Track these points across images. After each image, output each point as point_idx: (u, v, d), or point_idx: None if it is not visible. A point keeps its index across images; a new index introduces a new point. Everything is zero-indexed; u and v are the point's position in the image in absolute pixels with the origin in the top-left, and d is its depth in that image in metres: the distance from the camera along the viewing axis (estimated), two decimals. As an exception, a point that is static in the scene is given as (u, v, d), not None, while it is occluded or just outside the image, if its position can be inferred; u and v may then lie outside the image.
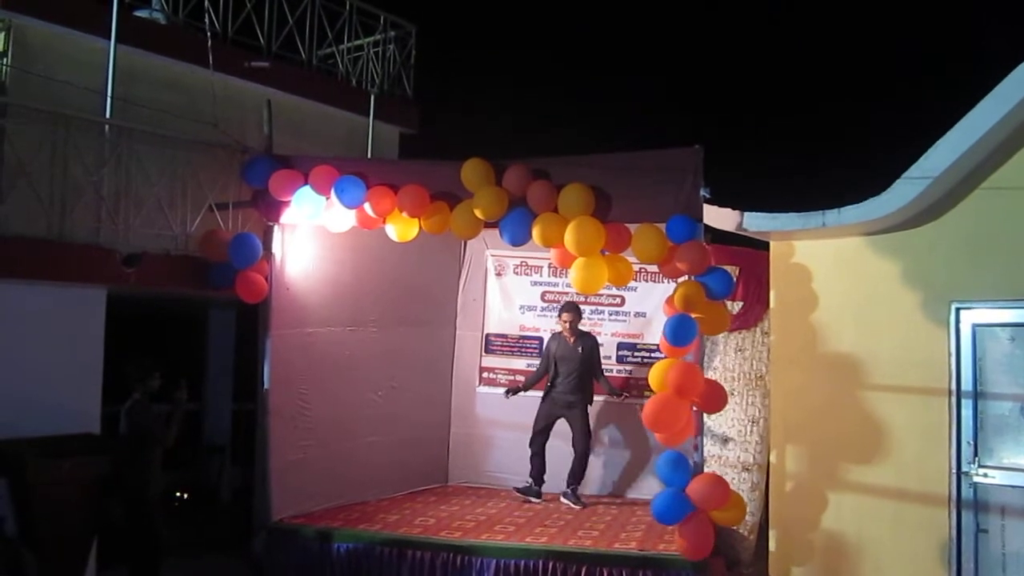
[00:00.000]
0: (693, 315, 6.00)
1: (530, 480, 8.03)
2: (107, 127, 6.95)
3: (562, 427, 8.08)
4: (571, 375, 7.92)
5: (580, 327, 8.14)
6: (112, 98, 7.08)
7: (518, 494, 7.95)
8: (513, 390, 8.13)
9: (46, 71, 6.76)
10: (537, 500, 7.92)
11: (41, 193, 6.45)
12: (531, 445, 8.03)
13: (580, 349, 7.94)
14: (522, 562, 6.25)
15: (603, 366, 8.59)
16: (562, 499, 7.88)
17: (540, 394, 8.15)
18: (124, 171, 7.03)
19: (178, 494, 8.83)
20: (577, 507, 7.79)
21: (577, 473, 7.96)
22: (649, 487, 6.60)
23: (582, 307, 8.74)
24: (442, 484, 8.73)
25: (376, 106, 9.65)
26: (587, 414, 8.00)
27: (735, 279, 6.93)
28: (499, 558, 6.29)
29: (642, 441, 8.20)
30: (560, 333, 8.10)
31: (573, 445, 7.93)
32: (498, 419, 8.44)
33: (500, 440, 8.55)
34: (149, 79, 7.62)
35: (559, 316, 8.14)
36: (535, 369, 8.30)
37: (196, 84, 7.68)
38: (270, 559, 6.75)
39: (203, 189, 7.41)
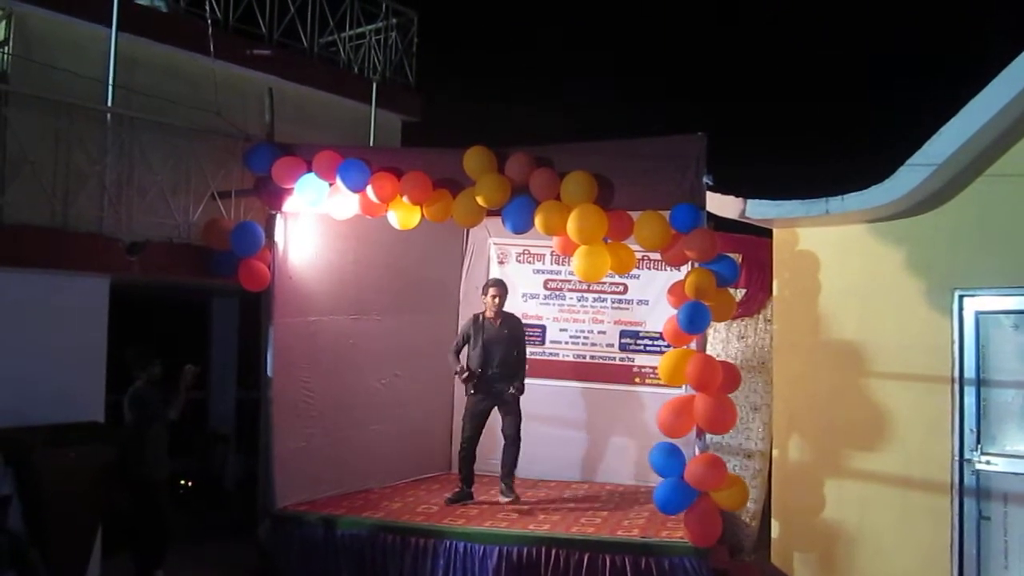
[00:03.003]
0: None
1: (460, 485, 7.51)
2: (109, 115, 6.95)
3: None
4: (497, 357, 7.40)
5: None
6: (114, 86, 7.06)
7: (448, 502, 7.33)
8: (467, 377, 7.40)
9: (47, 59, 6.75)
10: (471, 501, 7.42)
11: (44, 182, 6.46)
12: (462, 447, 7.55)
13: (505, 331, 7.49)
14: (525, 549, 6.26)
15: (604, 353, 8.62)
16: (500, 497, 7.42)
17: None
18: (126, 159, 7.04)
19: (183, 482, 8.86)
20: (509, 500, 7.33)
21: (509, 464, 7.48)
22: (651, 474, 6.62)
23: (584, 295, 8.74)
24: (445, 472, 8.75)
25: (378, 94, 9.63)
26: (519, 400, 7.49)
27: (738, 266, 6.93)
28: (502, 545, 6.31)
29: (645, 428, 8.20)
30: (482, 313, 7.57)
31: (503, 431, 7.48)
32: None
33: (503, 428, 8.55)
34: (151, 67, 7.60)
35: (484, 292, 7.61)
36: (455, 352, 7.63)
37: (198, 72, 7.67)
38: (274, 546, 6.78)
39: (205, 177, 7.41)
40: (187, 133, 7.33)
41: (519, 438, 7.52)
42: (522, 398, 7.57)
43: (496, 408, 7.54)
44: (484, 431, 8.63)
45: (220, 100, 7.42)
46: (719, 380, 5.95)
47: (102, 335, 6.68)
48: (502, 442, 8.30)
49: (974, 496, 6.21)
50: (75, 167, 6.66)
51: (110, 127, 6.93)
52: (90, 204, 6.72)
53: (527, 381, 7.61)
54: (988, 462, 6.17)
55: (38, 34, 6.92)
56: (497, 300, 7.55)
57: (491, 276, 8.98)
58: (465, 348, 7.62)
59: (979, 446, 6.19)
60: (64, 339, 6.42)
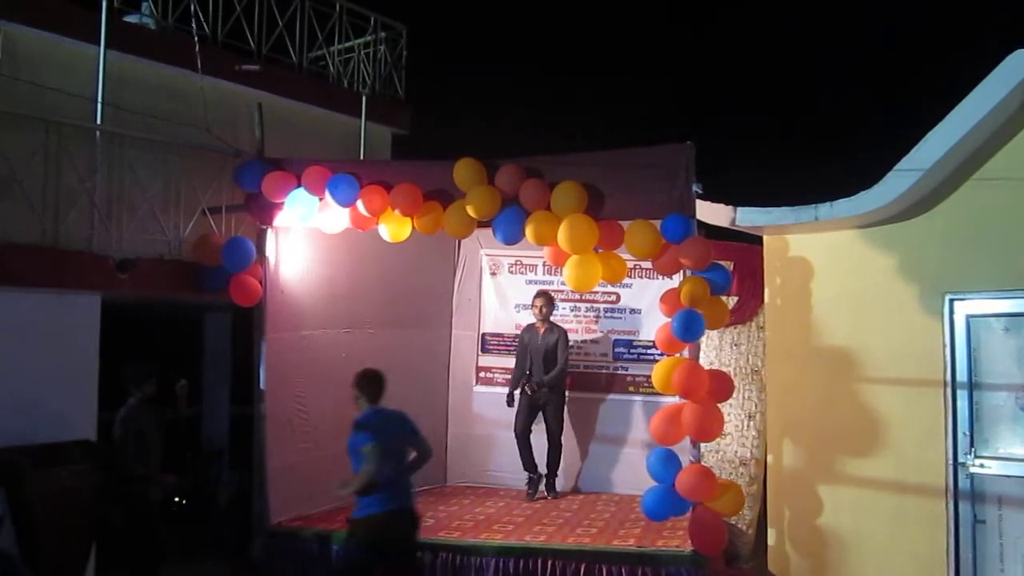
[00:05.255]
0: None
1: (526, 473, 8.12)
2: (98, 133, 6.95)
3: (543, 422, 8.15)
4: (540, 365, 7.99)
5: (558, 322, 8.28)
6: (103, 104, 7.07)
7: (529, 497, 8.02)
8: (511, 395, 8.18)
9: (36, 78, 6.75)
10: (538, 495, 8.03)
11: (34, 200, 6.46)
12: (517, 439, 8.09)
13: (547, 340, 8.03)
14: (521, 560, 6.25)
15: (598, 363, 8.65)
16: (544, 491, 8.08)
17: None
18: (116, 177, 7.04)
19: (176, 499, 8.82)
20: (551, 497, 7.98)
21: (550, 466, 8.09)
22: (647, 483, 6.61)
23: (577, 304, 8.76)
24: (440, 484, 8.72)
25: (368, 107, 9.65)
26: (562, 407, 8.10)
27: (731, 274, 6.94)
28: (498, 557, 6.30)
29: (640, 437, 8.21)
30: (532, 325, 8.17)
31: (547, 438, 8.05)
32: (496, 418, 8.43)
33: (498, 439, 8.54)
34: (140, 84, 7.61)
35: (532, 303, 8.20)
36: (515, 367, 8.29)
37: (187, 88, 7.67)
38: (269, 562, 6.74)
39: (196, 193, 7.41)
40: (177, 149, 7.34)
41: (559, 442, 8.09)
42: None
43: (541, 412, 8.11)
44: (479, 444, 8.68)
45: (210, 116, 7.42)
46: (705, 387, 5.96)
47: (94, 353, 6.66)
48: (496, 455, 8.36)
49: (969, 500, 6.21)
50: (65, 185, 6.65)
51: (99, 145, 6.93)
52: (80, 222, 6.71)
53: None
54: (982, 465, 6.17)
55: (26, 53, 6.92)
56: (540, 310, 8.09)
57: (484, 287, 9.04)
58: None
59: (973, 449, 6.20)
60: (56, 357, 6.40)
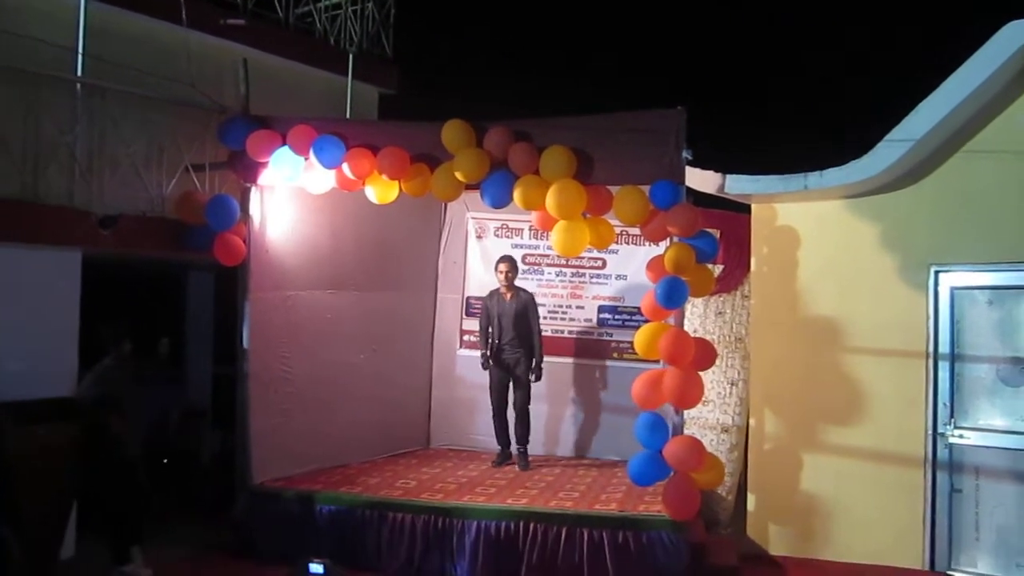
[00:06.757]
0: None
1: (499, 447, 8.05)
2: (79, 86, 6.80)
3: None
4: (510, 331, 7.83)
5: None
6: (84, 56, 6.91)
7: (494, 464, 7.90)
8: (484, 360, 7.97)
9: (15, 28, 6.57)
10: (510, 462, 7.94)
11: (12, 154, 6.33)
12: (495, 416, 7.99)
13: (515, 305, 7.86)
14: (503, 523, 6.28)
15: (583, 328, 8.65)
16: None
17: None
18: (98, 131, 6.90)
19: (158, 458, 8.78)
20: (524, 469, 7.78)
21: (521, 435, 7.92)
22: (630, 448, 6.65)
23: (562, 269, 8.74)
24: (423, 447, 8.75)
25: (355, 65, 9.50)
26: (528, 376, 7.86)
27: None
28: (480, 520, 6.32)
29: (622, 402, 8.22)
30: (497, 290, 7.98)
31: (513, 405, 7.90)
32: (479, 382, 8.41)
33: (481, 403, 8.52)
34: (122, 36, 7.42)
35: (495, 268, 7.98)
36: (480, 332, 8.06)
37: (171, 42, 7.50)
38: (251, 522, 6.75)
39: (179, 150, 7.30)
40: (160, 105, 7.20)
41: (527, 412, 7.92)
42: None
43: (511, 378, 7.91)
44: (463, 407, 8.67)
45: (194, 71, 7.28)
46: (691, 355, 5.97)
47: (74, 310, 6.58)
48: (479, 419, 8.34)
49: (947, 470, 6.30)
50: (45, 138, 6.52)
51: (80, 98, 6.78)
52: (60, 176, 6.59)
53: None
54: (961, 436, 6.25)
55: (4, 2, 6.74)
56: (504, 276, 7.88)
57: (470, 250, 9.00)
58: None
59: (952, 420, 6.27)
60: (35, 314, 6.32)
